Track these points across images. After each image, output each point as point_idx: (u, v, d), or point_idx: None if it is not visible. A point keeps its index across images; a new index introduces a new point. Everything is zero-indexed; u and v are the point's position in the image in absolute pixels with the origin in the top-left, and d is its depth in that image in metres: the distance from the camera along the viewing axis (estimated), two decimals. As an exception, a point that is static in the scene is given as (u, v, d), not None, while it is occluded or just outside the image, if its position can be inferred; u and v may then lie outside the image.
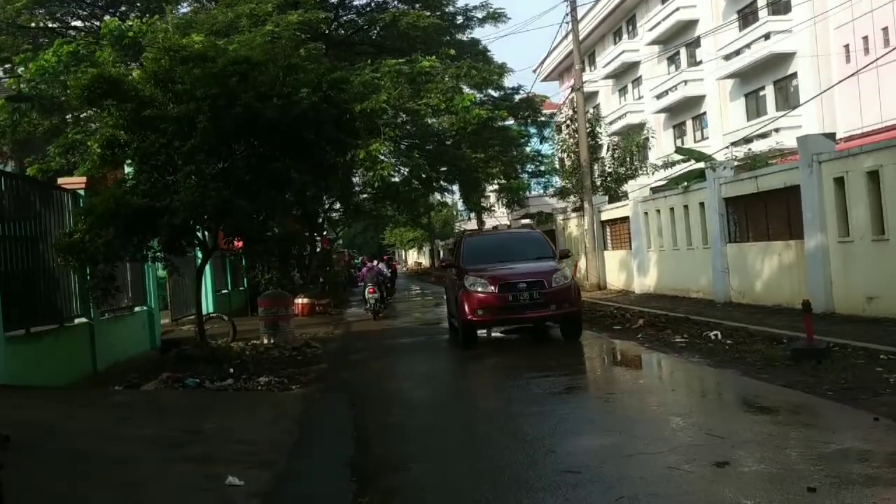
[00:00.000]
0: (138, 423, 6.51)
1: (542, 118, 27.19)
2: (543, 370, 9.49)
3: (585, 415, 6.71)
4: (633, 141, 25.42)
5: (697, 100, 37.19)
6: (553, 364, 10.13)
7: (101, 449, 5.57)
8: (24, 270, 9.39)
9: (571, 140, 23.95)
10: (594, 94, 45.81)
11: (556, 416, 6.64)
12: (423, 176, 19.92)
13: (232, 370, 10.58)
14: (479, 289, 11.62)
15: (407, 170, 20.73)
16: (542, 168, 26.42)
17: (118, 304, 12.63)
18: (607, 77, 46.10)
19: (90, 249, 9.79)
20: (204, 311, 20.85)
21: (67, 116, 20.92)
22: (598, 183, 23.97)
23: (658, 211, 18.08)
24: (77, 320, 10.90)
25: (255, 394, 8.55)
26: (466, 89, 21.77)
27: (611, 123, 38.44)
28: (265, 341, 13.87)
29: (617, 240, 21.71)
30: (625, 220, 20.61)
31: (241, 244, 13.68)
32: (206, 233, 11.69)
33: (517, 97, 25.73)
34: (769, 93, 32.63)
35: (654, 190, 20.04)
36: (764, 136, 31.99)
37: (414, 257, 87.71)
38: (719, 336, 10.72)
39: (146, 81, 11.29)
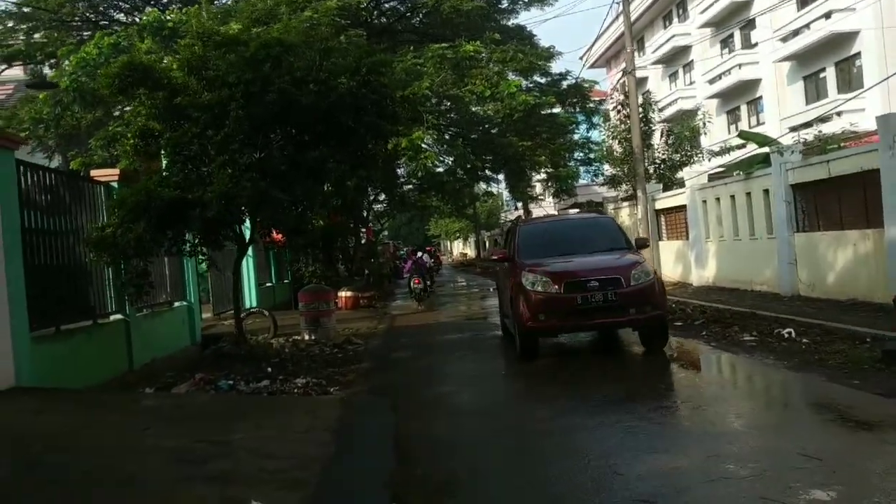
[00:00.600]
0: (161, 434, 5.99)
1: (591, 105, 26.24)
2: (602, 373, 8.77)
3: (654, 428, 5.92)
4: (688, 126, 24.27)
5: (752, 84, 35.87)
6: (612, 366, 9.38)
7: (114, 465, 5.04)
8: (55, 266, 9.01)
9: (623, 126, 22.97)
10: (643, 80, 44.38)
11: (620, 428, 5.91)
12: (468, 165, 19.20)
13: (269, 369, 10.09)
14: (540, 288, 9.64)
15: (451, 159, 19.99)
16: (592, 155, 25.42)
17: (156, 299, 12.28)
18: (657, 62, 44.80)
19: (121, 244, 9.39)
20: (246, 306, 20.67)
21: (115, 112, 20.78)
22: (651, 170, 22.92)
23: (717, 199, 17.07)
24: (112, 317, 10.53)
25: (291, 398, 7.97)
26: (511, 76, 21.02)
27: (661, 110, 37.23)
28: (306, 337, 13.38)
29: (672, 230, 20.72)
30: (681, 208, 19.61)
31: (280, 237, 13.20)
32: (242, 226, 11.20)
33: (565, 83, 24.82)
34: (830, 75, 31.20)
35: (712, 177, 19.02)
36: (824, 119, 30.59)
37: (459, 248, 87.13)
38: (793, 334, 9.81)
39: (179, 69, 10.85)
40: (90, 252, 9.55)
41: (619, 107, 23.40)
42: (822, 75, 31.99)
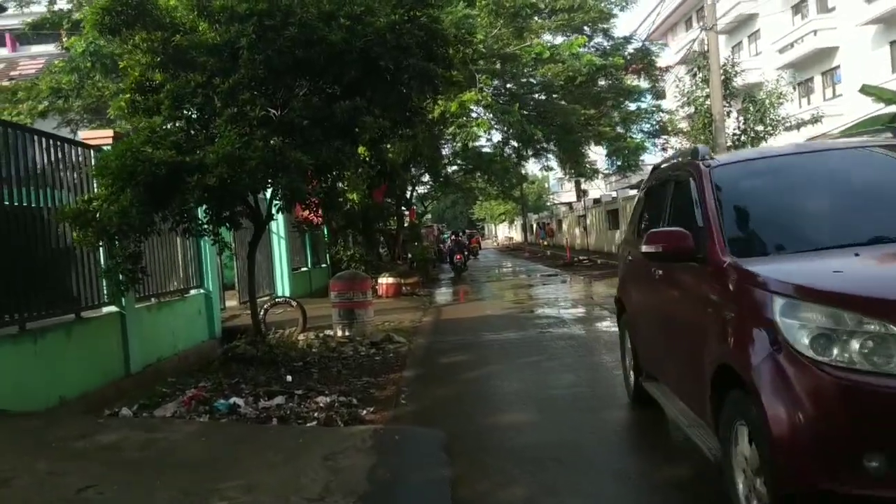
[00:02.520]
0: (100, 500, 3.95)
1: (657, 72, 23.64)
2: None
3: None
4: (773, 93, 21.46)
5: (829, 52, 32.92)
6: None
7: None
8: (22, 248, 7.11)
9: (700, 92, 20.30)
10: (704, 53, 41.56)
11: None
12: (526, 134, 16.78)
13: (289, 378, 8.07)
14: (873, 366, 2.91)
15: (505, 128, 17.47)
16: (665, 125, 22.67)
17: (164, 287, 10.41)
18: (720, 32, 41.77)
19: (103, 220, 7.43)
20: (278, 293, 18.73)
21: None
22: (728, 144, 20.20)
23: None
24: (105, 310, 8.64)
25: (308, 430, 5.84)
26: (559, 38, 18.54)
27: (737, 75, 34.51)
28: (338, 333, 11.34)
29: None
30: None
31: (309, 214, 11.18)
32: (257, 197, 9.13)
33: (630, 48, 22.22)
34: (921, 39, 28.23)
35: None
36: (916, 89, 27.64)
37: (505, 231, 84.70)
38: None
39: (186, 6, 8.81)
40: (74, 230, 7.66)
41: (696, 70, 20.72)
42: (912, 40, 29.05)
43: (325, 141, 7.82)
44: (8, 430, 5.24)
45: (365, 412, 6.45)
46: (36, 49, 31.90)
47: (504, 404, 6.76)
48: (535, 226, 62.74)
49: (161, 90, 8.67)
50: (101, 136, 9.30)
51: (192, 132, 8.56)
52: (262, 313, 12.16)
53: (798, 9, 36.32)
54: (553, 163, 29.70)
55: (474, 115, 15.55)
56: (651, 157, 22.96)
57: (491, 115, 16.65)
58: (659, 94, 25.31)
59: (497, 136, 23.19)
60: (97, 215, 7.50)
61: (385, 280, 18.75)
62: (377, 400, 6.97)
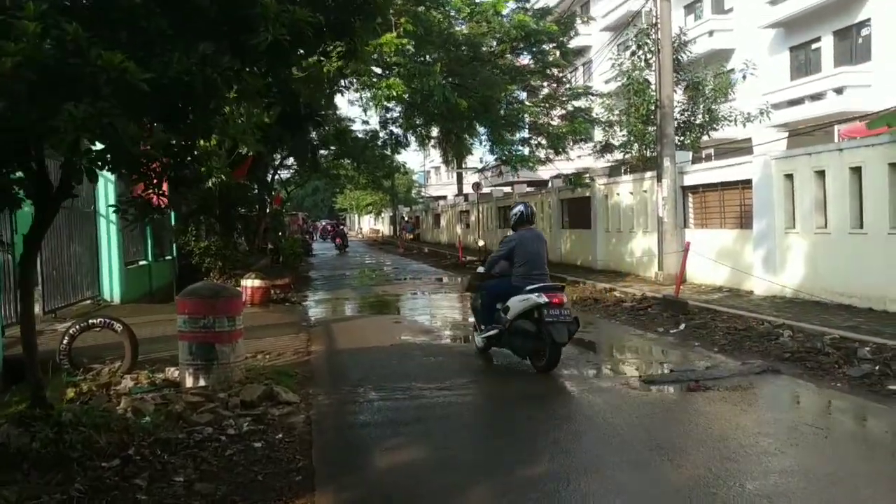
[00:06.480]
0: None
1: (571, 56, 20.72)
2: None
3: None
4: (721, 85, 19.01)
5: (724, 54, 31.76)
6: None
7: None
8: None
9: (637, 72, 17.36)
10: (586, 49, 39.64)
11: None
12: (447, 104, 12.90)
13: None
14: None
15: (422, 93, 13.37)
16: (599, 110, 19.59)
17: None
18: (606, 29, 40.08)
19: None
20: (106, 295, 14.01)
21: None
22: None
23: (820, 172, 11.71)
24: None
25: None
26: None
27: (606, 83, 32.59)
28: (189, 382, 7.13)
29: (707, 214, 15.36)
30: (731, 186, 14.24)
31: (147, 192, 7.00)
32: (40, 149, 4.87)
33: (549, 19, 19.04)
34: (826, 45, 27.45)
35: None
36: (816, 97, 26.66)
37: (370, 224, 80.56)
38: None
39: None
40: None
41: (636, 47, 17.77)
42: (814, 46, 28.19)
43: (181, 40, 3.79)
44: None
45: None
46: None
47: None
48: (406, 219, 59.26)
49: None
50: None
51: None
52: (64, 342, 7.80)
53: (692, 8, 35.35)
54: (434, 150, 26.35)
55: (395, 66, 11.66)
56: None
57: (400, 80, 12.71)
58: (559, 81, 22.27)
59: (374, 120, 19.60)
60: None
61: (251, 283, 14.45)
62: None
